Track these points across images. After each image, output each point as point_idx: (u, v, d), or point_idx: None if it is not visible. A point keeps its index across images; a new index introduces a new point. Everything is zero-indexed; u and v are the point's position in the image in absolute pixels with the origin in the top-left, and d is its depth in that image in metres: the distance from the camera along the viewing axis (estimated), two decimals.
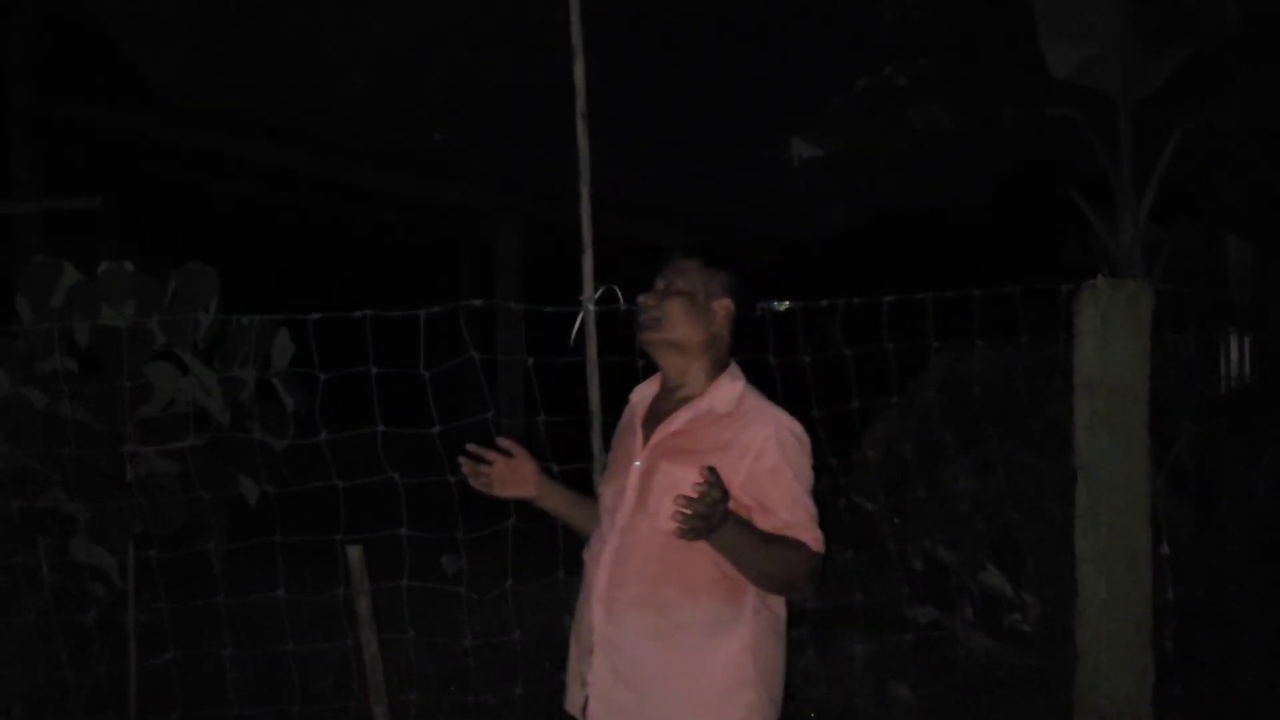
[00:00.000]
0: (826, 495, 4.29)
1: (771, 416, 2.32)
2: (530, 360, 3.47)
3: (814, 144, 5.75)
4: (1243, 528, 4.10)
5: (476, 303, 3.56)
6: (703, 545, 2.13)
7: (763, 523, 2.22)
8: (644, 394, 2.50)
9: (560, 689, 2.47)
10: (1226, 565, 3.99)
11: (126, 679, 3.75)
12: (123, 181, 9.87)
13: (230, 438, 3.71)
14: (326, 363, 3.43)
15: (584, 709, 2.32)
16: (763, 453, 2.26)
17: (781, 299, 3.43)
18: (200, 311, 3.68)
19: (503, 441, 2.48)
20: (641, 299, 2.41)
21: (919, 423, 4.38)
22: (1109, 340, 3.03)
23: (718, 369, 2.39)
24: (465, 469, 2.45)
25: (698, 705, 2.26)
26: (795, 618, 3.95)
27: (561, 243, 4.60)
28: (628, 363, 2.64)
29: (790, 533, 2.23)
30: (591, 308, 3.39)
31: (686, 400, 2.37)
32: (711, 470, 2.06)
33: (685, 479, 2.14)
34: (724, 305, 2.38)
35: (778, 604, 2.34)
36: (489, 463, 2.46)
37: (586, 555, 2.42)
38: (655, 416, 2.41)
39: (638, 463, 2.36)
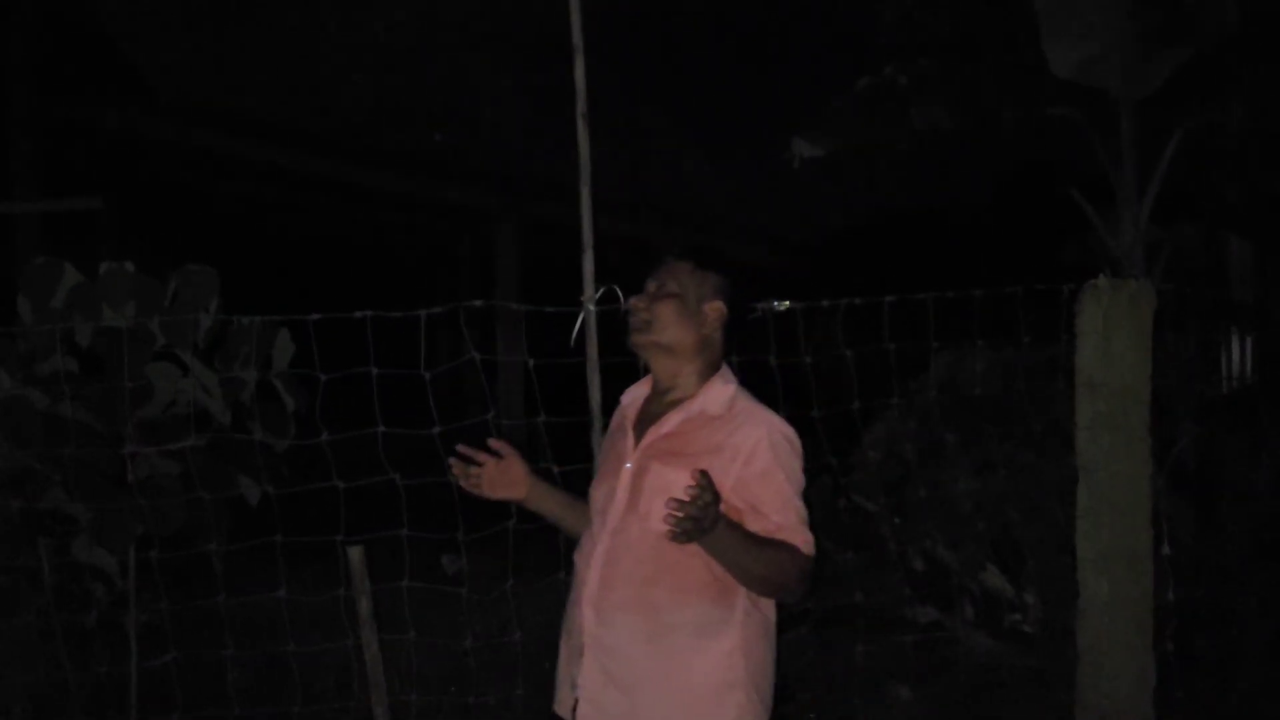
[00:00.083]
0: (827, 495, 4.31)
1: (763, 419, 2.32)
2: (530, 361, 3.47)
3: (814, 144, 5.74)
4: (1244, 528, 4.10)
5: (476, 303, 3.56)
6: (694, 548, 2.13)
7: (754, 525, 2.22)
8: (635, 395, 2.50)
9: None
10: (1227, 566, 3.99)
11: (127, 679, 3.75)
12: (123, 182, 9.86)
13: (231, 438, 3.71)
14: (327, 363, 3.43)
15: (574, 711, 2.32)
16: (754, 455, 2.26)
17: (781, 299, 3.43)
18: (201, 312, 3.68)
19: (493, 443, 2.47)
20: (632, 301, 2.41)
21: (920, 423, 4.38)
22: (1110, 340, 3.03)
23: (709, 371, 2.39)
24: (455, 470, 2.45)
25: (688, 707, 2.25)
26: (795, 618, 3.97)
27: (561, 243, 4.60)
28: (628, 363, 2.63)
29: (781, 535, 2.23)
30: (592, 308, 3.39)
31: (678, 402, 2.37)
32: (703, 473, 2.06)
33: (676, 481, 2.14)
34: (716, 308, 2.38)
35: (768, 606, 2.34)
36: (479, 464, 2.46)
37: (577, 556, 2.41)
38: (646, 418, 2.40)
39: (629, 464, 2.35)
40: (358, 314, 3.37)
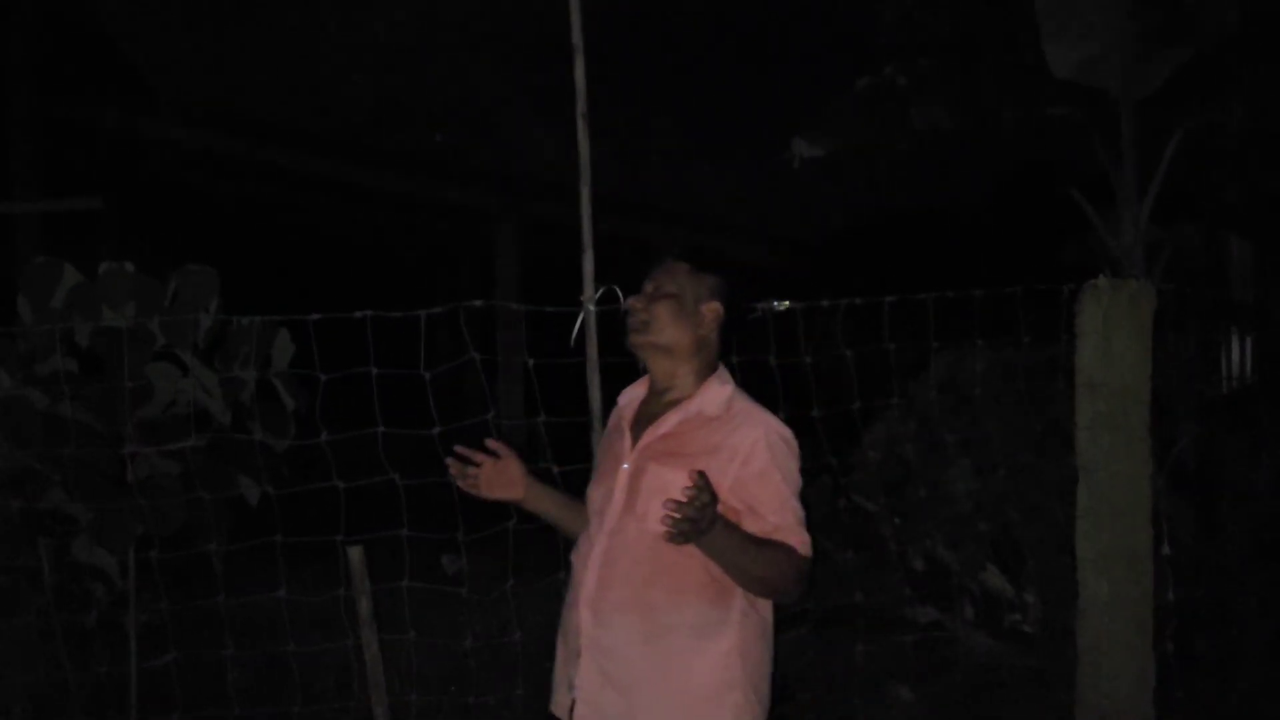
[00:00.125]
0: (827, 495, 4.31)
1: (760, 420, 2.32)
2: (530, 361, 3.47)
3: (814, 144, 5.74)
4: (1244, 528, 4.10)
5: (476, 303, 3.56)
6: (691, 548, 2.13)
7: (751, 526, 2.22)
8: (632, 396, 2.50)
9: None
10: (1227, 566, 3.99)
11: (127, 679, 3.75)
12: (123, 182, 9.87)
13: (231, 438, 3.71)
14: (327, 363, 3.43)
15: (571, 712, 2.32)
16: (751, 456, 2.26)
17: (781, 299, 3.43)
18: (201, 312, 3.68)
19: (490, 443, 2.48)
20: (630, 302, 2.41)
21: (920, 423, 4.39)
22: (1110, 340, 3.03)
23: (707, 372, 2.39)
24: (453, 470, 2.45)
25: (685, 708, 2.25)
26: (795, 618, 3.97)
27: (561, 243, 4.60)
28: (628, 363, 2.63)
29: (778, 536, 2.23)
30: (592, 308, 3.39)
31: (675, 403, 2.37)
32: (701, 474, 2.06)
33: (674, 481, 2.14)
34: (712, 308, 2.38)
35: (765, 606, 2.34)
36: (476, 464, 2.46)
37: (574, 557, 2.42)
38: (643, 419, 2.41)
39: (626, 465, 2.35)
40: (358, 314, 3.36)
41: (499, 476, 2.47)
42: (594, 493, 2.43)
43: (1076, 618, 3.11)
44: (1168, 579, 3.36)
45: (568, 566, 2.47)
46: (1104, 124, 5.42)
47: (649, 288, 2.41)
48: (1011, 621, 4.21)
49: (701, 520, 2.05)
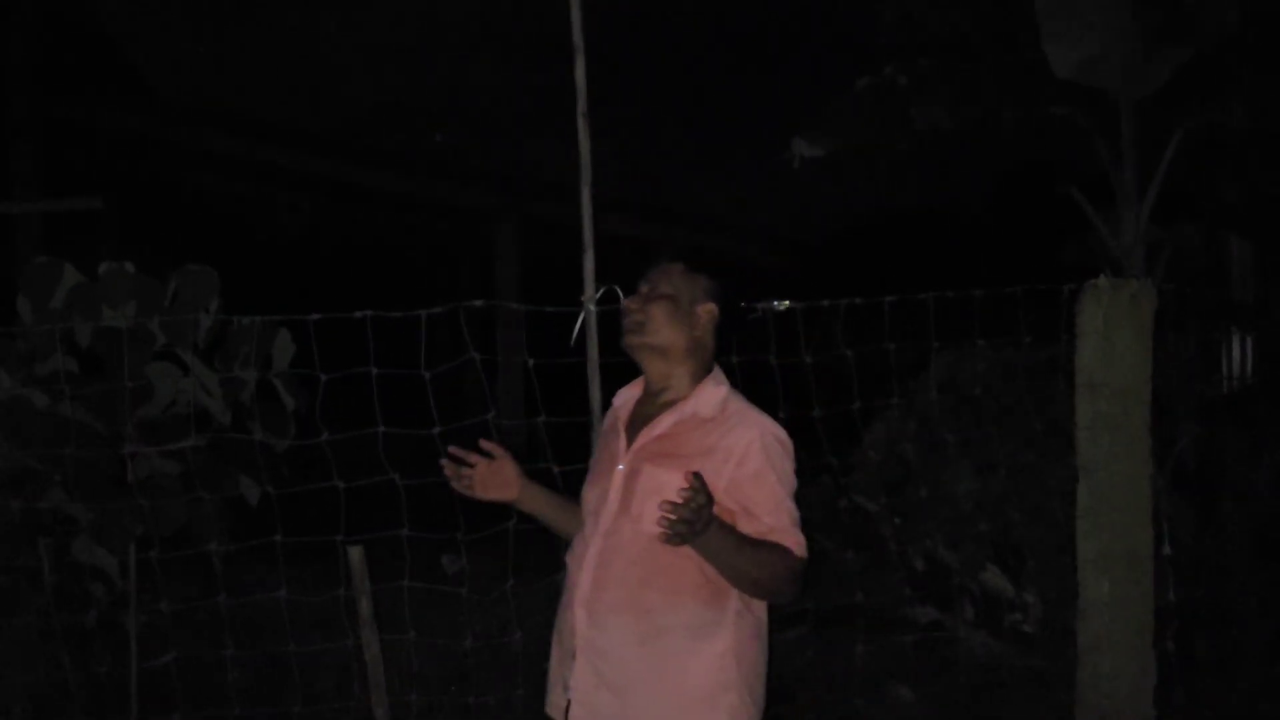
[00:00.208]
0: (827, 495, 4.31)
1: (755, 421, 2.32)
2: (531, 361, 3.47)
3: (814, 144, 5.73)
4: (1244, 528, 4.11)
5: (477, 303, 3.56)
6: (686, 549, 2.13)
7: (746, 528, 2.22)
8: (627, 397, 2.50)
9: None
10: (1227, 566, 4.00)
11: (127, 679, 3.75)
12: (123, 181, 9.87)
13: (231, 438, 3.71)
14: (327, 363, 3.43)
15: (566, 713, 2.32)
16: (746, 457, 2.26)
17: (781, 299, 3.43)
18: (201, 312, 3.68)
19: (485, 444, 2.47)
20: (625, 303, 2.41)
21: (920, 423, 4.39)
22: (1111, 340, 3.03)
23: (702, 373, 2.39)
24: (447, 471, 2.44)
25: (680, 709, 2.25)
26: (795, 618, 3.97)
27: (561, 243, 4.60)
28: (628, 363, 2.63)
29: (774, 537, 2.23)
30: (592, 308, 3.39)
31: (670, 404, 2.37)
32: (697, 475, 2.06)
33: (669, 482, 2.13)
34: (708, 309, 2.38)
35: (760, 607, 2.33)
36: (471, 465, 2.46)
37: (569, 558, 2.41)
38: (639, 420, 2.40)
39: (621, 466, 2.35)
40: (358, 314, 3.36)
41: (493, 477, 2.47)
42: (589, 494, 2.43)
43: (1076, 618, 3.11)
44: (1168, 579, 3.36)
45: (565, 567, 2.47)
46: (1104, 124, 5.42)
47: (644, 289, 2.41)
48: (1011, 621, 4.22)
49: (697, 521, 2.05)
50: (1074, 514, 3.11)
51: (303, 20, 9.47)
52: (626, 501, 2.31)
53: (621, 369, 2.63)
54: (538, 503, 2.54)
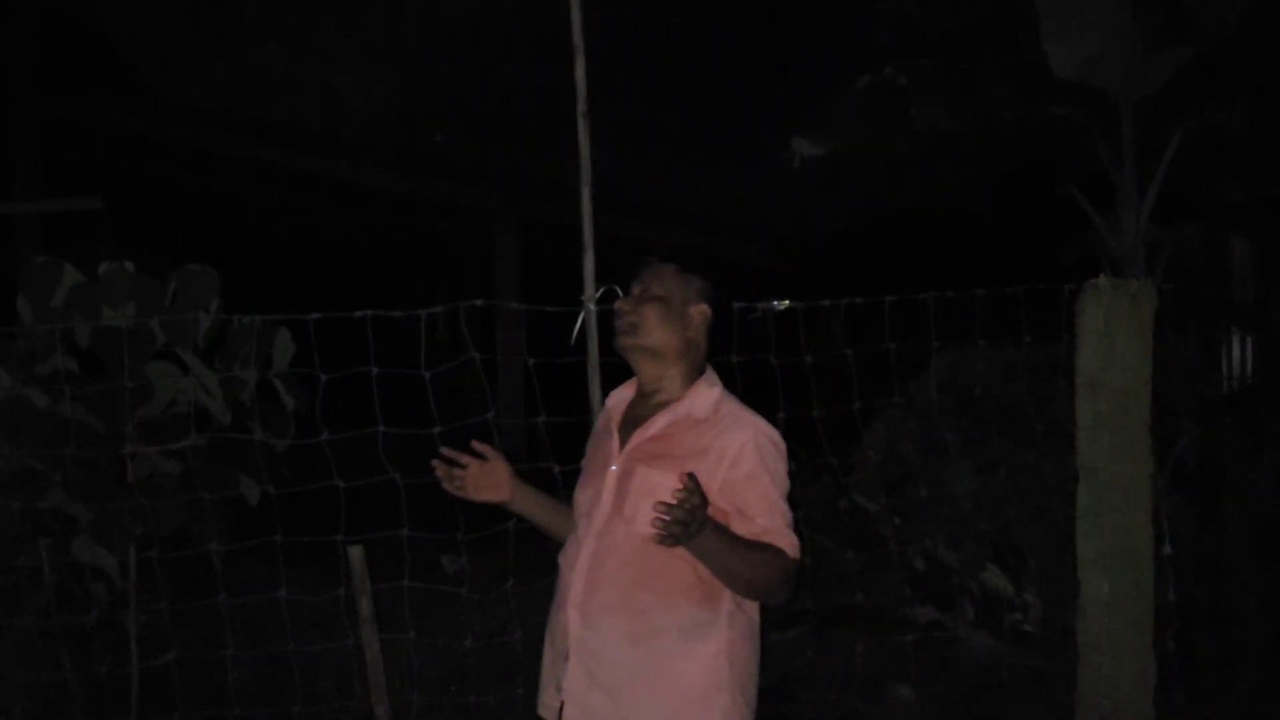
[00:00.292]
0: (827, 495, 4.31)
1: (748, 422, 2.32)
2: (531, 360, 3.47)
3: (814, 144, 5.73)
4: (1244, 528, 4.11)
5: (477, 303, 3.56)
6: (680, 550, 2.13)
7: (739, 529, 2.22)
8: (620, 398, 2.50)
9: None
10: (1227, 566, 4.00)
11: (128, 679, 3.75)
12: (123, 181, 9.87)
13: (231, 438, 3.71)
14: (327, 363, 3.43)
15: (559, 714, 2.32)
16: (740, 458, 2.26)
17: (781, 299, 3.43)
18: (201, 312, 3.68)
19: (477, 445, 2.47)
20: (618, 304, 2.41)
21: (920, 423, 4.39)
22: (1111, 340, 3.03)
23: (695, 374, 2.39)
24: (439, 472, 2.44)
25: (673, 710, 2.25)
26: (795, 617, 3.97)
27: (561, 243, 4.60)
28: (628, 363, 2.63)
29: (767, 538, 2.23)
30: (592, 308, 3.39)
31: (663, 405, 2.37)
32: (691, 476, 2.06)
33: (662, 484, 2.14)
34: (700, 310, 2.39)
35: (752, 608, 2.34)
36: (463, 466, 2.45)
37: (561, 560, 2.41)
38: (632, 421, 2.41)
39: (614, 467, 2.35)
40: (358, 314, 3.36)
41: (485, 478, 2.47)
42: (581, 495, 2.43)
43: (1076, 618, 3.11)
44: (1168, 579, 3.36)
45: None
46: (1104, 124, 5.42)
47: (637, 290, 2.41)
48: (1011, 621, 4.22)
49: (691, 522, 2.05)
50: (1074, 514, 3.11)
51: (303, 20, 9.47)
52: (620, 502, 2.31)
53: (621, 369, 2.64)
54: (529, 504, 2.55)
